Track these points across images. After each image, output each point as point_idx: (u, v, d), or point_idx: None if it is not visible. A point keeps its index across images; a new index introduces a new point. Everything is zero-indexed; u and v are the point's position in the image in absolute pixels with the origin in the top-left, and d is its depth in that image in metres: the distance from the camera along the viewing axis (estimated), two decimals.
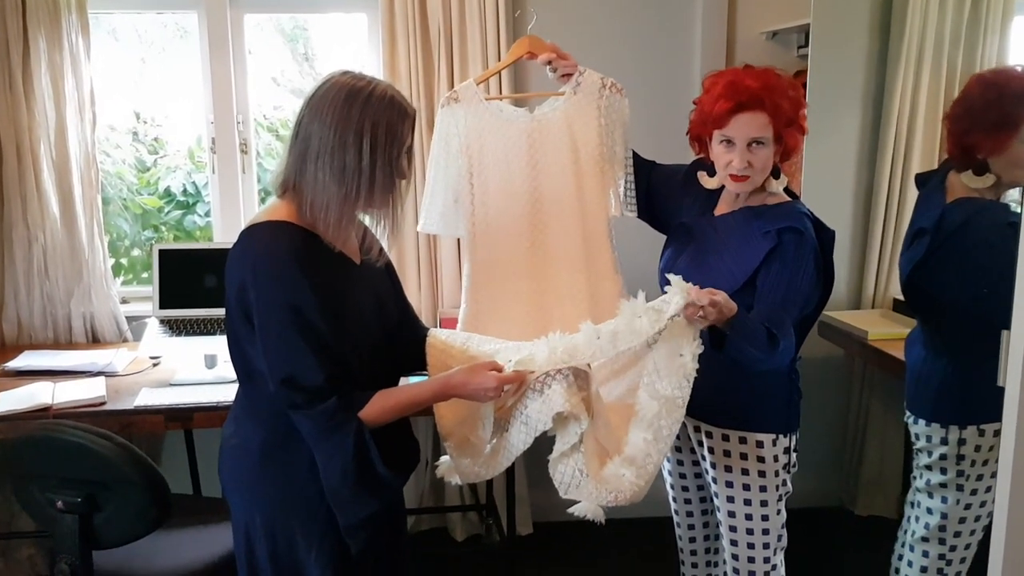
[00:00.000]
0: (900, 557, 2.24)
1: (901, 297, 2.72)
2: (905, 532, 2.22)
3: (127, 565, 1.93)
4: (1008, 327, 1.35)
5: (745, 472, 1.90)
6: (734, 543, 1.96)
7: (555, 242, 2.12)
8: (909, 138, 2.95)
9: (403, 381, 1.73)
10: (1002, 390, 1.38)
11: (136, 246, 3.45)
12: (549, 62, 2.08)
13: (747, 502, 1.91)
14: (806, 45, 2.95)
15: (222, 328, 2.50)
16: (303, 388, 1.49)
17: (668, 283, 1.62)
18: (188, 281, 2.77)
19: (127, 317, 2.90)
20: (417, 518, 3.16)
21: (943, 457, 2.06)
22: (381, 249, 1.71)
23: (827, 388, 3.21)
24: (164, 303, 2.77)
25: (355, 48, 3.12)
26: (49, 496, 1.79)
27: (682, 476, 2.12)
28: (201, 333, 2.68)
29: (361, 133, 1.49)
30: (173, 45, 3.23)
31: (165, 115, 3.37)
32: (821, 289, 1.87)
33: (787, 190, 1.91)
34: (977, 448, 2.02)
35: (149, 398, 2.24)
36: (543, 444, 1.65)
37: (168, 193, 3.45)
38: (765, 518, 1.92)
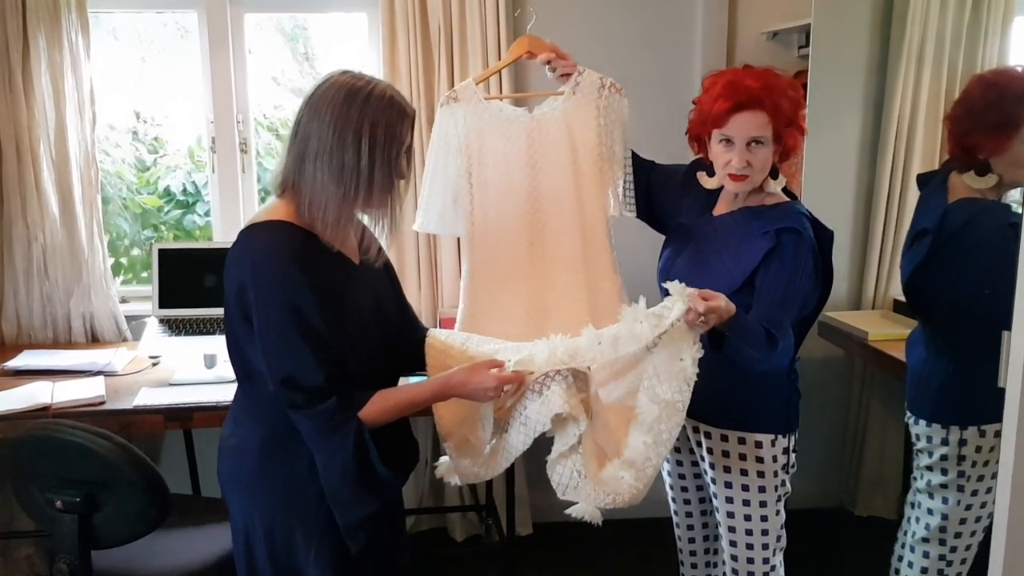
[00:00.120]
0: (900, 558, 2.23)
1: (902, 298, 2.71)
2: (905, 533, 2.22)
3: (126, 565, 1.93)
4: (1009, 328, 1.35)
5: (744, 472, 1.90)
6: (733, 544, 1.95)
7: (554, 242, 2.12)
8: (910, 138, 2.95)
9: (402, 381, 1.72)
10: (1003, 391, 1.38)
11: (136, 245, 3.44)
12: (548, 62, 2.08)
13: (746, 502, 1.91)
14: (807, 45, 2.94)
15: (221, 328, 2.48)
16: (303, 388, 1.49)
17: (668, 281, 1.62)
18: (188, 281, 2.77)
19: (126, 317, 2.90)
20: (417, 518, 3.16)
21: (944, 458, 2.06)
22: (380, 249, 1.71)
23: (827, 388, 3.21)
24: (164, 303, 2.76)
25: (355, 47, 3.12)
26: (48, 496, 1.79)
27: (681, 476, 2.12)
28: (201, 333, 2.68)
29: (360, 133, 1.49)
30: (173, 44, 3.23)
31: (165, 114, 3.37)
32: (820, 289, 1.87)
33: (785, 190, 1.91)
34: (978, 449, 2.02)
35: (148, 398, 2.24)
36: (542, 445, 1.65)
37: (168, 192, 3.45)
38: (764, 518, 1.92)
